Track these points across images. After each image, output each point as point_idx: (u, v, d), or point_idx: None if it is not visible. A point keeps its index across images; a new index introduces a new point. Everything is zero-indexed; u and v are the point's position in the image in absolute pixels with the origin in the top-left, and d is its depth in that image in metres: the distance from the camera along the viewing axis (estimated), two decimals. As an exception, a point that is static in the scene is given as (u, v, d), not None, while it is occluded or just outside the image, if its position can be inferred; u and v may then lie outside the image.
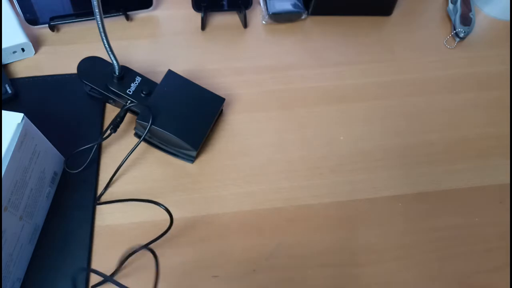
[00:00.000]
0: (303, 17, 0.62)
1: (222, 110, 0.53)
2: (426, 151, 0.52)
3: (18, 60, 0.55)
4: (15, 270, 0.40)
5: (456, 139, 0.54)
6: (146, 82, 0.50)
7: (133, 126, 0.51)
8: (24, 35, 0.54)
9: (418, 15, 0.64)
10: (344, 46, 0.60)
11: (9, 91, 0.51)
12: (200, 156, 0.51)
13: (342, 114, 0.54)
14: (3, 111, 0.38)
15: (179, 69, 0.53)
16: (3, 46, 0.53)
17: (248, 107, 0.54)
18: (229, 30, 0.61)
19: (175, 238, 0.45)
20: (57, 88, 0.53)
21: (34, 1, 0.54)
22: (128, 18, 0.60)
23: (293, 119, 0.54)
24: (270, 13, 0.60)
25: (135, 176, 0.49)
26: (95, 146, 0.48)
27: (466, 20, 0.62)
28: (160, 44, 0.59)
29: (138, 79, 0.50)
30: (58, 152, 0.46)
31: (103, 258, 0.44)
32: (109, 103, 0.53)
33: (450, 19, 0.64)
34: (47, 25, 0.57)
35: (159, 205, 0.44)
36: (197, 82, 0.54)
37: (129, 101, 0.49)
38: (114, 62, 0.47)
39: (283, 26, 0.62)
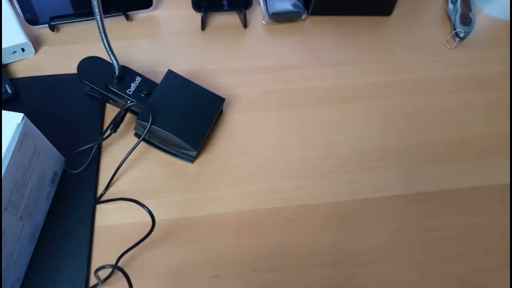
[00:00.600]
0: (303, 17, 0.62)
1: (222, 110, 0.53)
2: (426, 151, 0.52)
3: (18, 60, 0.55)
4: (15, 270, 0.40)
5: (456, 139, 0.54)
6: (146, 82, 0.50)
7: (133, 126, 0.51)
8: (24, 35, 0.54)
9: (418, 15, 0.64)
10: (344, 46, 0.60)
11: (9, 91, 0.51)
12: (200, 156, 0.51)
13: (342, 114, 0.54)
14: (3, 111, 0.38)
15: (179, 69, 0.53)
16: (3, 46, 0.53)
17: (248, 107, 0.54)
18: (229, 30, 0.61)
19: (175, 238, 0.45)
20: (57, 88, 0.53)
21: (34, 1, 0.54)
22: (128, 18, 0.60)
23: (293, 119, 0.54)
24: (270, 13, 0.60)
25: (135, 176, 0.49)
26: (95, 146, 0.48)
27: (466, 20, 0.62)
28: (160, 44, 0.59)
29: (138, 79, 0.50)
30: (58, 152, 0.46)
31: (103, 258, 0.44)
32: (109, 103, 0.53)
33: (450, 19, 0.64)
34: (47, 25, 0.57)
35: (142, 206, 0.42)
36: (197, 82, 0.54)
37: (129, 101, 0.49)
38: (114, 62, 0.47)
39: (283, 26, 0.62)
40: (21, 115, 0.38)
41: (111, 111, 0.52)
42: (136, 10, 0.60)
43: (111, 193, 0.47)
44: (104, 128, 0.51)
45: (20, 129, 0.38)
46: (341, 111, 0.55)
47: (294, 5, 0.61)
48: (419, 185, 0.50)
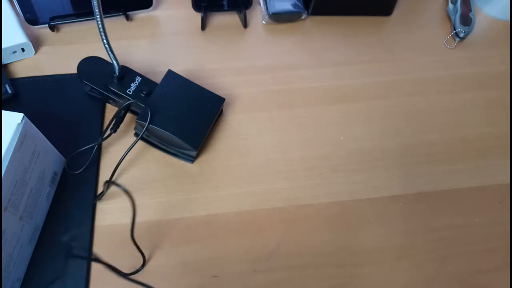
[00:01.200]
0: (303, 17, 0.62)
1: (222, 110, 0.53)
2: (426, 151, 0.52)
3: (18, 60, 0.55)
4: (15, 270, 0.40)
5: (456, 139, 0.54)
6: (146, 82, 0.50)
7: (133, 126, 0.51)
8: (24, 35, 0.54)
9: (418, 15, 0.64)
10: (344, 46, 0.60)
11: (9, 91, 0.51)
12: (200, 156, 0.51)
13: (342, 114, 0.54)
14: (3, 111, 0.38)
15: (179, 69, 0.53)
16: (3, 46, 0.53)
17: (248, 107, 0.54)
18: (229, 30, 0.61)
19: (175, 238, 0.45)
20: (57, 88, 0.53)
21: (34, 1, 0.54)
22: (128, 18, 0.60)
23: (293, 119, 0.54)
24: (270, 13, 0.60)
25: (135, 176, 0.49)
26: (95, 147, 0.48)
27: (466, 20, 0.62)
28: (160, 44, 0.59)
29: (138, 79, 0.50)
30: (58, 152, 0.46)
31: (103, 258, 0.44)
32: (109, 103, 0.53)
33: (450, 19, 0.64)
34: (47, 25, 0.57)
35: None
36: (197, 82, 0.54)
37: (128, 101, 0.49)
38: (114, 62, 0.47)
39: (283, 26, 0.62)
40: (21, 115, 0.38)
41: (111, 111, 0.52)
42: (136, 10, 0.60)
43: (111, 193, 0.47)
44: (104, 128, 0.51)
45: (20, 129, 0.38)
46: (341, 111, 0.55)
47: (294, 5, 0.61)
48: (419, 185, 0.50)
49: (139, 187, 0.48)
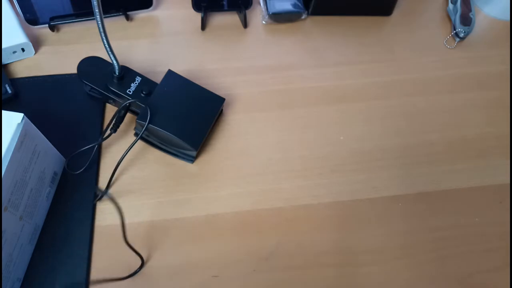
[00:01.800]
0: (303, 17, 0.62)
1: (222, 110, 0.53)
2: (426, 151, 0.52)
3: (18, 60, 0.55)
4: (15, 270, 0.40)
5: (456, 139, 0.54)
6: (146, 82, 0.50)
7: (133, 126, 0.51)
8: (24, 35, 0.54)
9: (418, 15, 0.64)
10: (344, 46, 0.60)
11: (9, 91, 0.51)
12: (200, 156, 0.51)
13: (342, 114, 0.54)
14: (3, 111, 0.38)
15: (179, 69, 0.53)
16: (3, 46, 0.53)
17: (248, 107, 0.54)
18: (229, 30, 0.61)
19: (175, 238, 0.45)
20: (57, 88, 0.53)
21: (34, 1, 0.54)
22: (128, 18, 0.60)
23: (293, 119, 0.54)
24: (270, 13, 0.60)
25: (135, 176, 0.49)
26: (96, 147, 0.48)
27: (466, 20, 0.62)
28: (160, 44, 0.59)
29: (138, 79, 0.50)
30: (58, 152, 0.46)
31: (103, 258, 0.44)
32: (109, 103, 0.53)
33: (450, 19, 0.64)
34: (47, 25, 0.57)
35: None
36: (197, 82, 0.54)
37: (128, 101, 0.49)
38: (114, 62, 0.47)
39: (283, 26, 0.62)
40: (21, 115, 0.38)
41: (111, 111, 0.52)
42: (136, 10, 0.60)
43: (111, 193, 0.47)
44: (104, 128, 0.51)
45: (20, 129, 0.38)
46: (341, 111, 0.55)
47: (294, 5, 0.61)
48: (419, 185, 0.50)
49: (139, 187, 0.48)
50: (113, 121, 0.48)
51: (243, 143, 0.52)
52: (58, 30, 0.59)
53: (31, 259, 0.43)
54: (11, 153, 0.37)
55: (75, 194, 0.47)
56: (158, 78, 0.50)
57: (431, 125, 0.54)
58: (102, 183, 0.48)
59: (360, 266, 0.45)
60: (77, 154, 0.47)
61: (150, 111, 0.46)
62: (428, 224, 0.48)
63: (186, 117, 0.48)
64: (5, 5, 0.56)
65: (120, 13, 0.59)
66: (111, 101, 0.51)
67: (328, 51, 0.60)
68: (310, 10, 0.62)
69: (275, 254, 0.45)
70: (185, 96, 0.49)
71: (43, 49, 0.57)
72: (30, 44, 0.55)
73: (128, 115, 0.51)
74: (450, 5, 0.64)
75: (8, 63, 0.55)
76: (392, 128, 0.54)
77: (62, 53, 0.57)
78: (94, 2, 0.39)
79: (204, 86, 0.51)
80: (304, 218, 0.47)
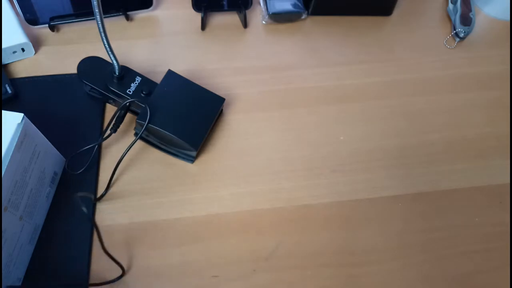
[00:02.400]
0: (303, 17, 0.62)
1: (222, 110, 0.53)
2: (426, 151, 0.52)
3: (18, 60, 0.55)
4: (15, 270, 0.40)
5: (456, 139, 0.54)
6: (146, 82, 0.50)
7: (133, 126, 0.51)
8: (24, 35, 0.54)
9: (418, 15, 0.64)
10: (344, 46, 0.60)
11: (9, 91, 0.51)
12: (200, 156, 0.51)
13: (342, 114, 0.54)
14: (3, 111, 0.38)
15: (179, 69, 0.53)
16: (3, 46, 0.53)
17: (248, 107, 0.54)
18: (229, 30, 0.61)
19: (175, 238, 0.45)
20: (57, 88, 0.53)
21: (34, 1, 0.54)
22: (128, 18, 0.60)
23: (293, 119, 0.54)
24: (270, 13, 0.60)
25: (135, 176, 0.49)
26: (96, 147, 0.48)
27: (466, 20, 0.62)
28: (160, 44, 0.59)
29: (138, 79, 0.50)
30: (58, 152, 0.46)
31: (103, 258, 0.44)
32: (109, 103, 0.53)
33: (450, 19, 0.64)
34: (47, 25, 0.57)
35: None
36: (197, 82, 0.54)
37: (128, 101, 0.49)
38: (114, 62, 0.47)
39: (283, 26, 0.62)
40: (21, 115, 0.38)
41: (111, 111, 0.52)
42: (136, 10, 0.60)
43: (111, 193, 0.47)
44: (104, 128, 0.51)
45: (20, 129, 0.38)
46: (341, 111, 0.55)
47: (294, 5, 0.61)
48: (419, 185, 0.50)
49: (139, 187, 0.48)
50: (113, 121, 0.48)
51: (243, 143, 0.52)
52: (58, 30, 0.59)
53: (31, 259, 0.43)
54: (11, 153, 0.37)
55: (75, 194, 0.47)
56: (158, 78, 0.50)
57: (431, 125, 0.54)
58: (102, 183, 0.48)
59: (360, 266, 0.45)
60: (77, 154, 0.47)
61: (150, 111, 0.46)
62: (428, 224, 0.48)
63: (186, 117, 0.48)
64: (5, 5, 0.56)
65: (120, 13, 0.59)
66: (111, 101, 0.51)
67: (328, 51, 0.60)
68: (310, 10, 0.62)
69: (275, 254, 0.45)
70: (185, 96, 0.49)
71: (43, 49, 0.57)
72: (30, 44, 0.55)
73: (128, 115, 0.51)
74: (450, 5, 0.64)
75: (8, 63, 0.55)
76: (392, 128, 0.54)
77: (62, 53, 0.57)
78: (94, 2, 0.39)
79: (204, 86, 0.51)
80: (304, 218, 0.47)
